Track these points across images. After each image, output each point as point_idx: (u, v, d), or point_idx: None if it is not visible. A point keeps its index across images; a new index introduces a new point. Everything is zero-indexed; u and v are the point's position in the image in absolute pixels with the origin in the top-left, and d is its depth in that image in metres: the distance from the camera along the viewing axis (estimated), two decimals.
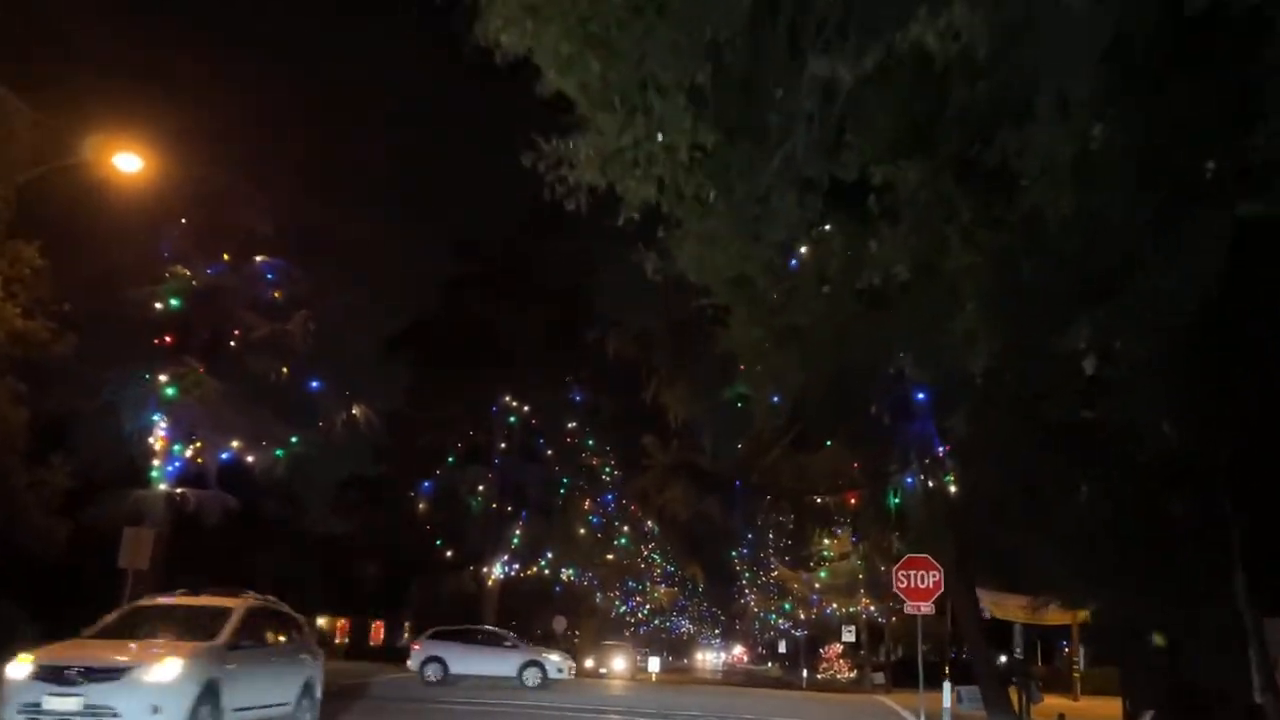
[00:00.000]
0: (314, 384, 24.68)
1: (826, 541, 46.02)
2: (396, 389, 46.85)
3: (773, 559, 66.98)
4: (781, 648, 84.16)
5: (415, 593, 46.21)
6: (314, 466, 28.25)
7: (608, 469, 56.15)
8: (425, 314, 46.69)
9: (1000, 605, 44.74)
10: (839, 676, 54.40)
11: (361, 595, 53.35)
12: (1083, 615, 40.89)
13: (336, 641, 54.98)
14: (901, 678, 43.75)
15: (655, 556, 70.84)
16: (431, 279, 48.64)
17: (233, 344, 21.10)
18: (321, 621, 55.59)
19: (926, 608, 18.57)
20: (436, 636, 29.09)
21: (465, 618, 48.19)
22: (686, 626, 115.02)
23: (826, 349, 10.37)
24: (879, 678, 45.12)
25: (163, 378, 19.65)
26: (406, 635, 54.00)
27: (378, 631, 55.80)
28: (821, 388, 12.63)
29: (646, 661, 47.01)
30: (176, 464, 21.57)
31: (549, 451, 46.18)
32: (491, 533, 44.19)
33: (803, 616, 61.84)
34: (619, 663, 42.99)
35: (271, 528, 54.03)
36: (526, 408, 45.81)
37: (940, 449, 19.47)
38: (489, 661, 27.60)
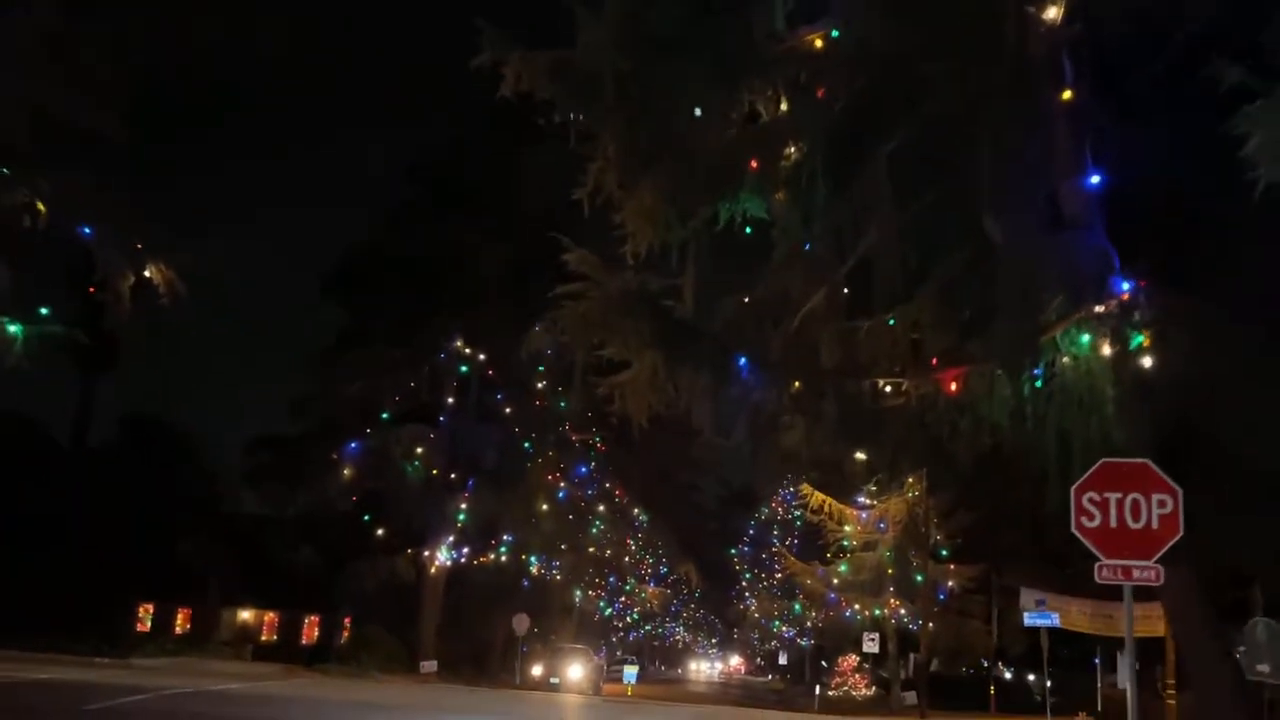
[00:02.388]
0: (83, 230, 15.23)
1: (847, 529, 36.45)
2: (324, 329, 37.39)
3: (777, 557, 57.51)
4: (783, 658, 74.33)
5: (347, 581, 36.54)
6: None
7: (597, 438, 46.72)
8: (364, 240, 37.36)
9: (1069, 611, 35.05)
10: (854, 693, 44.56)
11: (291, 584, 43.80)
12: None
13: (263, 638, 45.44)
14: (936, 698, 34.01)
15: (646, 554, 61.16)
16: (375, 199, 38.99)
17: None
18: (245, 615, 46.07)
19: (1145, 572, 8.84)
20: None
21: (404, 614, 38.79)
22: (681, 634, 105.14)
23: None
24: (910, 698, 35.43)
25: None
26: (346, 634, 44.53)
27: (311, 628, 46.17)
28: None
29: (621, 670, 37.44)
30: None
31: (508, 410, 36.60)
32: (432, 507, 34.64)
33: (810, 623, 52.00)
34: (575, 671, 33.23)
35: (178, 498, 44.75)
36: (482, 355, 36.31)
37: (1123, 286, 10.00)
38: None
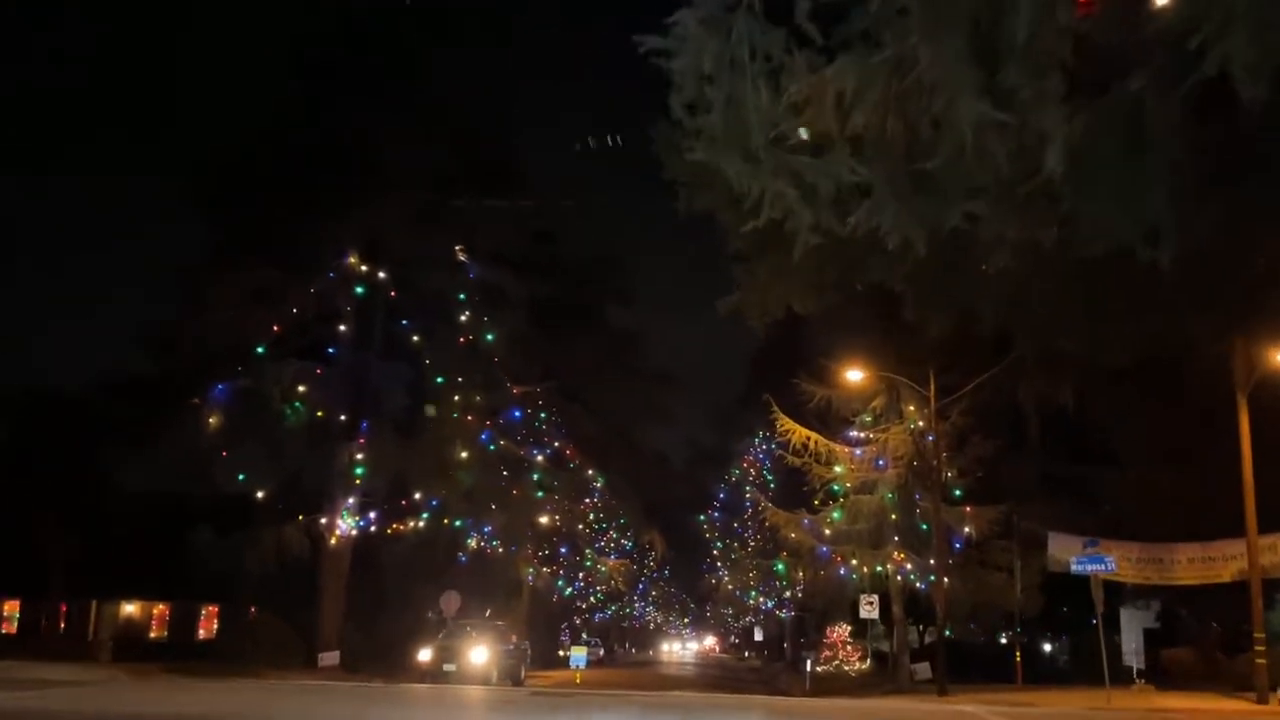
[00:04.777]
0: None
1: (838, 469, 28.95)
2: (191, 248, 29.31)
3: (751, 522, 50.06)
4: (759, 634, 66.97)
5: (227, 560, 28.52)
6: None
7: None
8: (237, 137, 29.19)
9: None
10: (846, 668, 37.31)
11: (184, 570, 35.56)
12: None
13: (152, 635, 37.31)
14: (950, 670, 26.54)
15: (606, 524, 53.38)
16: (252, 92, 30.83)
17: None
18: (130, 609, 37.89)
19: None
20: None
21: (306, 596, 30.94)
22: (652, 614, 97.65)
23: None
24: (922, 670, 28.07)
25: None
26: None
27: (210, 620, 38.05)
28: None
29: (570, 653, 29.84)
30: None
31: (415, 338, 28.71)
32: (320, 460, 26.79)
33: (789, 592, 44.58)
34: (479, 654, 24.41)
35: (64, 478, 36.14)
36: (383, 274, 28.45)
37: None
38: None
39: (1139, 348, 11.15)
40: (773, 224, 7.44)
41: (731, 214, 8.44)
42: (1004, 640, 42.87)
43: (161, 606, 37.38)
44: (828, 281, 9.02)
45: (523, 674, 26.43)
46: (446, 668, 23.56)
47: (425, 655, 24.85)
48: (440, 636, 25.90)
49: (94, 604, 36.82)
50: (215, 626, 37.36)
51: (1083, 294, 9.06)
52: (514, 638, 27.20)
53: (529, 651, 29.63)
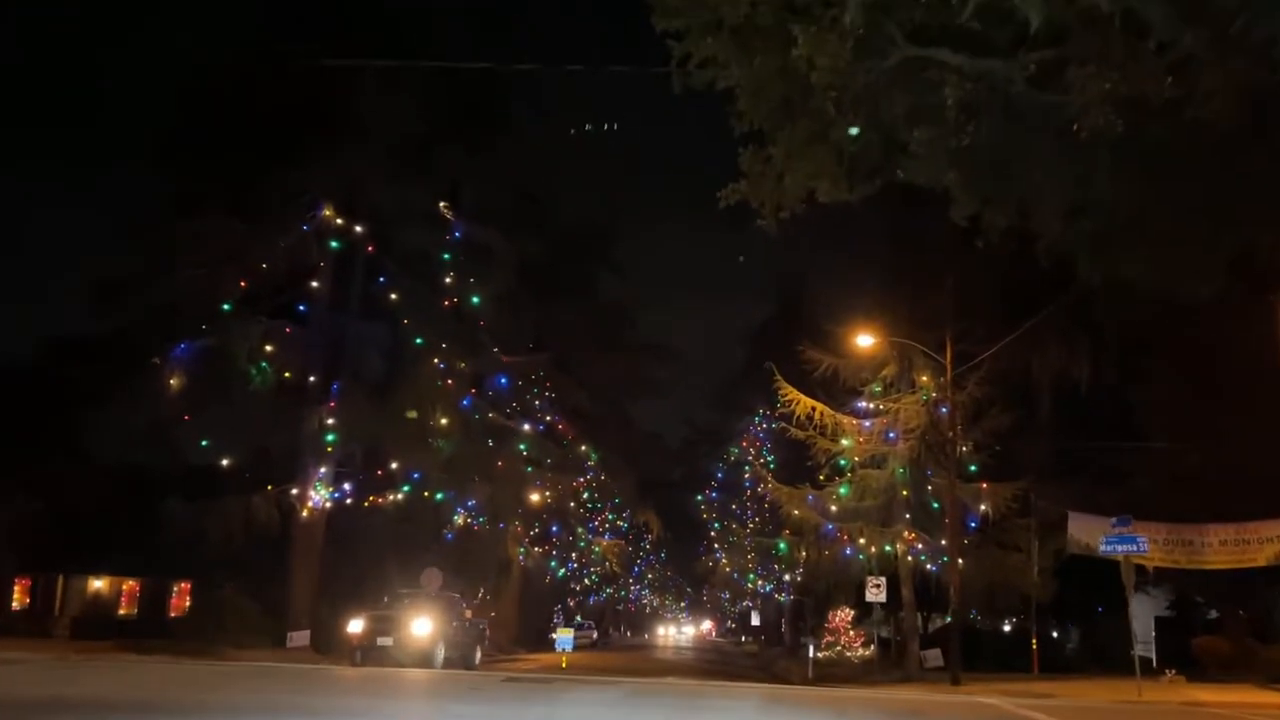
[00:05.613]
0: None
1: (845, 443, 26.90)
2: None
3: (750, 504, 48.13)
4: (755, 618, 65.16)
5: (183, 528, 26.50)
6: None
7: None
8: (198, 75, 26.97)
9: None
10: (847, 654, 35.44)
11: (156, 544, 33.46)
12: None
13: (121, 611, 35.36)
14: (962, 660, 24.51)
15: (600, 504, 51.36)
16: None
17: None
18: (99, 585, 35.85)
19: None
20: None
21: (279, 571, 28.96)
22: (648, 597, 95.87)
23: None
24: (933, 657, 26.11)
25: None
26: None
27: (182, 597, 36.11)
28: None
29: (557, 633, 27.84)
30: None
31: (393, 295, 26.61)
32: (288, 425, 24.76)
33: (789, 576, 42.60)
34: (421, 626, 20.43)
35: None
36: (360, 228, 26.33)
37: None
38: None
39: (1220, 274, 9.14)
40: (804, 81, 5.42)
41: (742, 66, 6.33)
42: (1007, 627, 41.03)
43: (131, 583, 35.41)
44: (862, 161, 6.99)
45: (478, 657, 23.71)
46: (381, 642, 20.13)
47: (356, 626, 21.01)
48: (383, 604, 22.68)
49: (60, 579, 34.86)
50: (187, 604, 35.40)
51: (1179, 188, 7.06)
52: (470, 613, 24.65)
53: (486, 630, 27.26)
